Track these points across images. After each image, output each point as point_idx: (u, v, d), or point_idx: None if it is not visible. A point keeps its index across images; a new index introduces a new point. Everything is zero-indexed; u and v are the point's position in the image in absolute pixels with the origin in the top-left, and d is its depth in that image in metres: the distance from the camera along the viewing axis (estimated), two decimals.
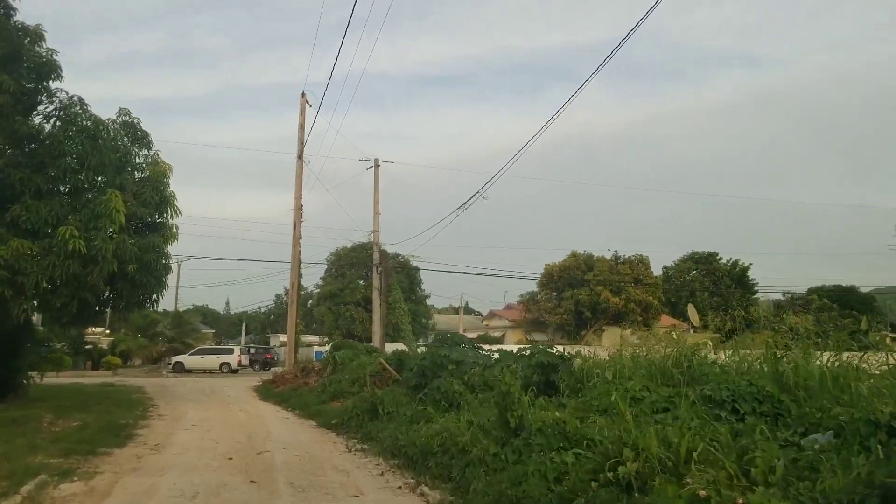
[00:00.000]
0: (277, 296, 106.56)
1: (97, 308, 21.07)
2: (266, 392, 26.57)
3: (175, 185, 21.86)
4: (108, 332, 48.87)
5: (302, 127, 32.11)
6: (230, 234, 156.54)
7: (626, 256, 55.71)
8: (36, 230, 17.37)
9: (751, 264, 78.84)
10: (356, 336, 73.08)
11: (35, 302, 17.90)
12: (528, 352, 14.84)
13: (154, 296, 21.43)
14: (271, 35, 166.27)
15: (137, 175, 21.08)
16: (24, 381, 20.96)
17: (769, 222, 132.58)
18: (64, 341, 40.46)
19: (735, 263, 78.61)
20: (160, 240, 19.90)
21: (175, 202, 21.01)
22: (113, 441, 12.52)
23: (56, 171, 17.77)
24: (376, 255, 38.66)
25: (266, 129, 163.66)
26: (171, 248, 21.23)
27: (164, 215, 20.94)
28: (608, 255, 55.89)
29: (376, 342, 37.48)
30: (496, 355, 18.04)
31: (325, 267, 78.71)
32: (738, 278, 75.48)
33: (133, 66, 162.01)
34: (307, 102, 32.22)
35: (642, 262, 55.42)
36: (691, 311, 58.73)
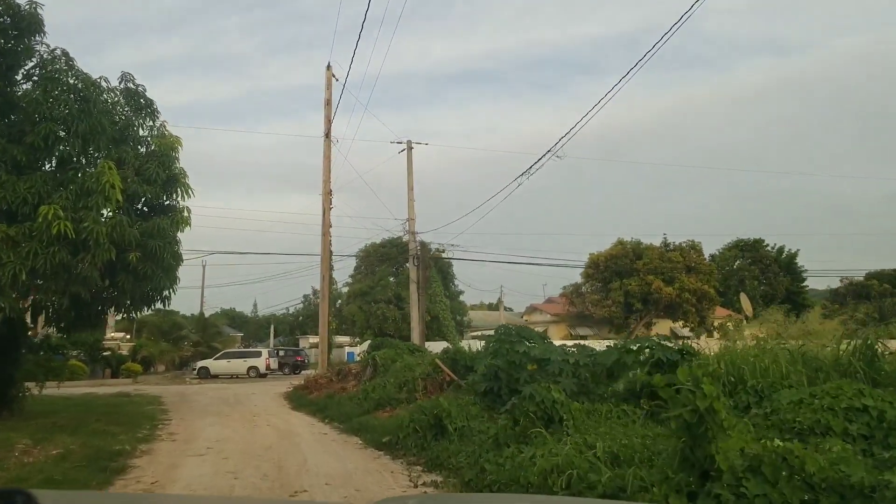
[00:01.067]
0: (305, 296, 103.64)
1: (98, 307, 17.89)
2: (298, 400, 23.27)
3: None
4: (128, 337, 46.05)
5: (328, 103, 28.80)
6: (256, 236, 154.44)
7: (677, 243, 51.84)
8: (13, 211, 14.19)
9: (798, 250, 74.67)
10: (389, 335, 70.04)
11: (15, 298, 14.63)
12: (638, 346, 11.37)
13: (165, 291, 18.22)
14: (294, 37, 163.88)
15: (141, 150, 17.87)
16: (19, 394, 17.85)
17: (806, 209, 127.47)
18: (80, 348, 37.60)
19: (781, 250, 74.39)
20: (168, 223, 16.64)
21: (186, 181, 17.75)
22: (95, 477, 9.21)
23: (36, 138, 14.52)
24: (413, 245, 35.26)
25: (291, 132, 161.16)
26: (184, 235, 18.01)
27: (174, 196, 17.69)
28: (650, 243, 52.02)
29: (415, 340, 34.17)
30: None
31: (355, 264, 76.02)
32: (786, 265, 71.43)
33: (160, 72, 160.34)
34: (333, 76, 28.91)
35: (694, 248, 51.52)
36: (744, 300, 54.91)
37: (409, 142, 36.43)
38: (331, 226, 28.84)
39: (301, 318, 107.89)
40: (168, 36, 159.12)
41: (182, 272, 18.58)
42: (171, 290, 18.26)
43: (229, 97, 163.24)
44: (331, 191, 28.81)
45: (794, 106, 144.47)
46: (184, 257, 18.55)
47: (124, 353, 41.78)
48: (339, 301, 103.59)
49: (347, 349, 71.88)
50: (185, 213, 17.78)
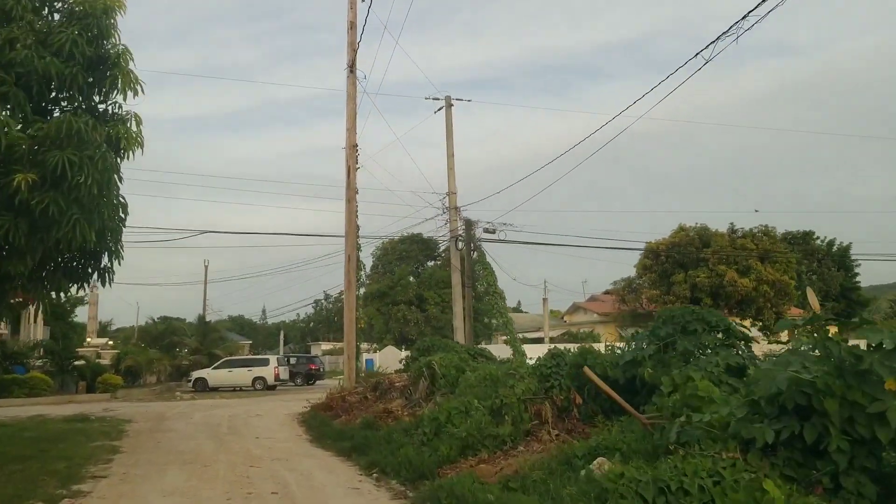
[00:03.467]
0: (317, 301, 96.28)
1: None
2: (320, 427, 15.70)
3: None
4: (110, 343, 38.56)
5: (353, 26, 21.31)
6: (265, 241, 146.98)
7: (746, 229, 44.15)
8: None
9: (850, 244, 67.05)
10: (410, 339, 62.51)
11: None
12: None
13: (103, 259, 10.81)
14: (299, 47, 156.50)
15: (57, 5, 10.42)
16: None
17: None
18: (47, 357, 30.16)
19: (831, 243, 66.63)
20: (91, 126, 9.13)
21: (129, 65, 10.26)
22: None
23: None
24: (456, 224, 27.75)
25: (298, 142, 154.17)
26: (128, 164, 10.49)
27: (109, 90, 10.21)
28: (716, 228, 44.29)
29: (459, 336, 26.77)
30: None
31: (371, 263, 68.46)
32: (839, 259, 63.86)
33: (167, 84, 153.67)
34: None
35: (767, 234, 43.86)
36: (811, 295, 47.56)
37: (447, 98, 29.03)
38: (357, 192, 21.33)
39: (312, 323, 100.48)
40: (172, 48, 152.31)
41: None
42: (111, 257, 10.79)
43: (235, 107, 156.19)
44: (356, 144, 21.31)
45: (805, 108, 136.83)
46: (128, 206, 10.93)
47: (105, 361, 34.29)
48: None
49: (366, 356, 64.38)
50: (132, 124, 10.32)
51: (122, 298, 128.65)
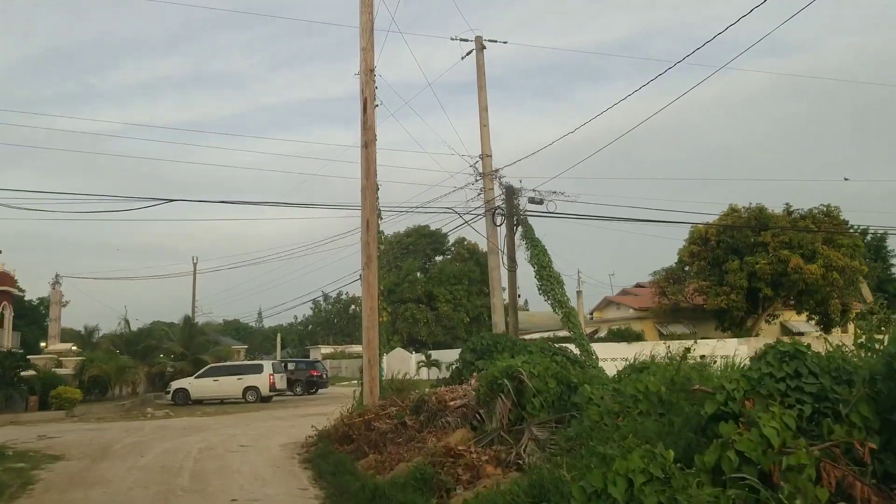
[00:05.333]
0: (315, 302, 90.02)
1: None
2: (336, 474, 9.65)
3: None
4: (73, 348, 32.28)
5: None
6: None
7: (804, 210, 38.18)
8: None
9: (885, 233, 61.01)
10: (419, 341, 56.38)
11: None
12: None
13: None
14: (294, 52, 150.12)
15: None
16: None
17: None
18: None
19: (865, 232, 60.62)
20: None
21: None
22: None
23: None
24: (491, 192, 21.74)
25: (295, 146, 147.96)
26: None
27: None
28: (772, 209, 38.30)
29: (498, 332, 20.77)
30: None
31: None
32: (875, 248, 58.22)
33: (161, 91, 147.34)
34: None
35: (829, 215, 37.87)
36: (864, 287, 40.99)
37: (478, 38, 23.05)
38: (375, 138, 15.27)
39: (311, 326, 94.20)
40: (167, 55, 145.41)
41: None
42: None
43: (230, 113, 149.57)
44: (373, 69, 15.29)
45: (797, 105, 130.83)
46: None
47: (68, 371, 28.09)
48: (354, 306, 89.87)
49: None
50: None
51: (108, 303, 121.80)
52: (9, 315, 44.86)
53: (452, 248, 58.85)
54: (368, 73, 15.16)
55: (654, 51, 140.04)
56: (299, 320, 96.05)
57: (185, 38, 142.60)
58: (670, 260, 43.19)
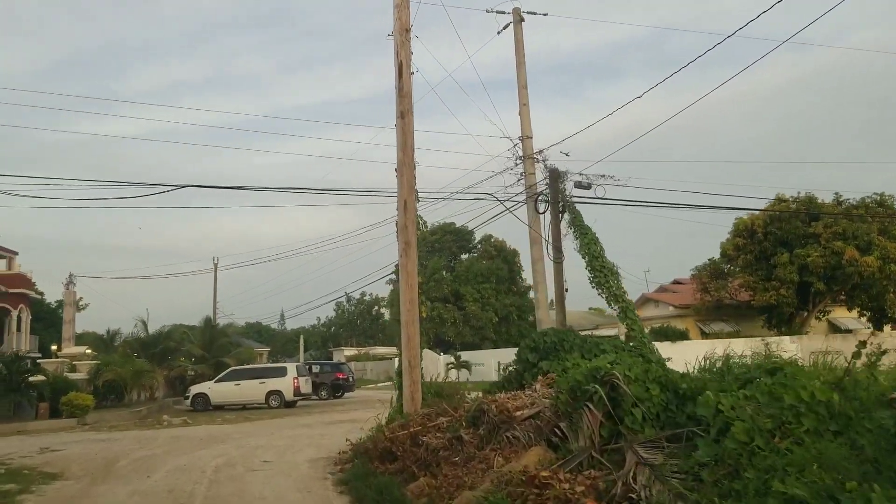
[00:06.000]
0: (338, 303, 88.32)
1: None
2: (379, 502, 7.72)
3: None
4: (87, 351, 30.60)
5: None
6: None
7: (856, 199, 35.71)
8: None
9: None
10: (447, 342, 54.35)
11: None
12: None
13: None
14: (309, 54, 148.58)
15: None
16: None
17: None
18: None
19: None
20: None
21: None
22: None
23: None
24: (534, 177, 19.72)
25: (313, 147, 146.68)
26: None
27: None
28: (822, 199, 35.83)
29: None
30: None
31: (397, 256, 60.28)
32: None
33: (179, 95, 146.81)
34: None
35: (882, 204, 35.37)
36: None
37: (516, 10, 21.08)
38: (412, 108, 13.30)
39: (333, 327, 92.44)
40: (186, 59, 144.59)
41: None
42: None
43: (249, 116, 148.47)
44: (409, 28, 13.36)
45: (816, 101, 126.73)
46: None
47: (82, 375, 26.41)
48: (378, 307, 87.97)
49: (398, 361, 56.07)
50: None
51: (129, 307, 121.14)
52: (26, 318, 43.44)
53: (479, 246, 56.78)
54: (403, 32, 13.21)
55: (671, 48, 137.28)
56: (322, 322, 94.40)
57: (203, 41, 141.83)
58: (703, 257, 41.08)
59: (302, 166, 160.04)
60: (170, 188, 16.42)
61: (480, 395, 11.20)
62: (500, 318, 51.91)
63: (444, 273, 55.12)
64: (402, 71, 13.11)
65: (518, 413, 9.03)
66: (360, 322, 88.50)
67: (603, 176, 20.02)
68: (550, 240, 19.58)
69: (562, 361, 10.24)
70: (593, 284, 18.17)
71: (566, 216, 19.59)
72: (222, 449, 14.22)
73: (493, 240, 55.83)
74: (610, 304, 17.96)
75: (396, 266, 54.08)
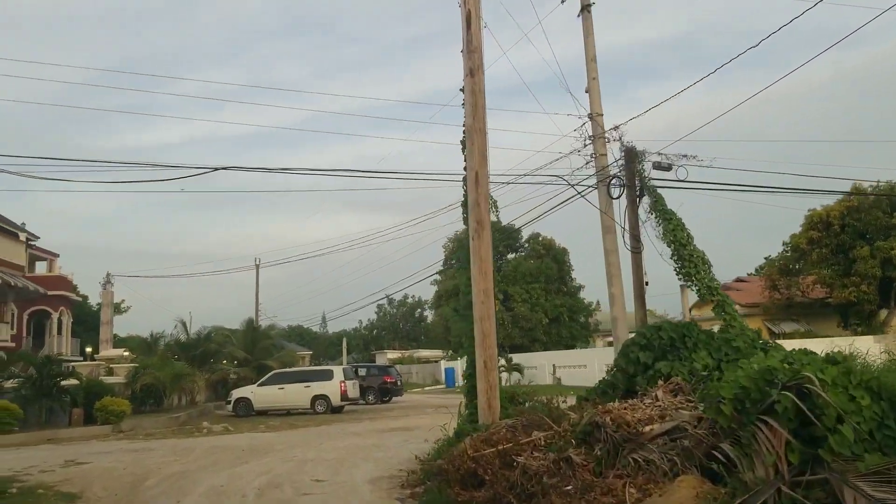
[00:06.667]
0: (380, 306, 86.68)
1: None
2: None
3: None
4: (125, 354, 29.15)
5: None
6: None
7: None
8: None
9: None
10: (498, 345, 51.88)
11: None
12: None
13: None
14: (345, 60, 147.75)
15: None
16: None
17: None
18: (19, 377, 20.86)
19: None
20: None
21: None
22: None
23: None
24: (605, 158, 17.59)
25: (349, 153, 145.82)
26: None
27: None
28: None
29: (619, 335, 17.02)
30: None
31: (443, 257, 58.29)
32: None
33: (221, 102, 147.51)
34: None
35: None
36: None
37: None
38: (482, 65, 11.31)
39: (375, 330, 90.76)
40: (226, 67, 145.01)
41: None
42: None
43: (288, 122, 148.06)
44: None
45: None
46: None
47: (119, 379, 24.92)
48: (420, 310, 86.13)
49: (444, 364, 54.14)
50: None
51: (171, 310, 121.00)
52: (67, 321, 42.48)
53: (526, 245, 54.45)
54: None
55: (708, 45, 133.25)
56: (363, 325, 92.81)
57: (242, 49, 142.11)
58: (760, 254, 38.25)
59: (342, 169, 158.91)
60: (204, 170, 14.68)
61: (586, 403, 9.13)
62: (550, 320, 49.56)
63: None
64: (471, 21, 11.14)
65: (647, 429, 6.95)
66: (403, 325, 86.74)
67: (685, 156, 17.77)
68: (627, 227, 17.43)
69: (686, 362, 8.15)
70: (681, 276, 15.94)
71: (644, 201, 17.43)
72: (266, 463, 12.36)
73: (541, 238, 53.49)
74: (703, 297, 15.71)
75: (448, 260, 51.70)
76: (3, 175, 14.11)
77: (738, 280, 43.14)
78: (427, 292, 76.15)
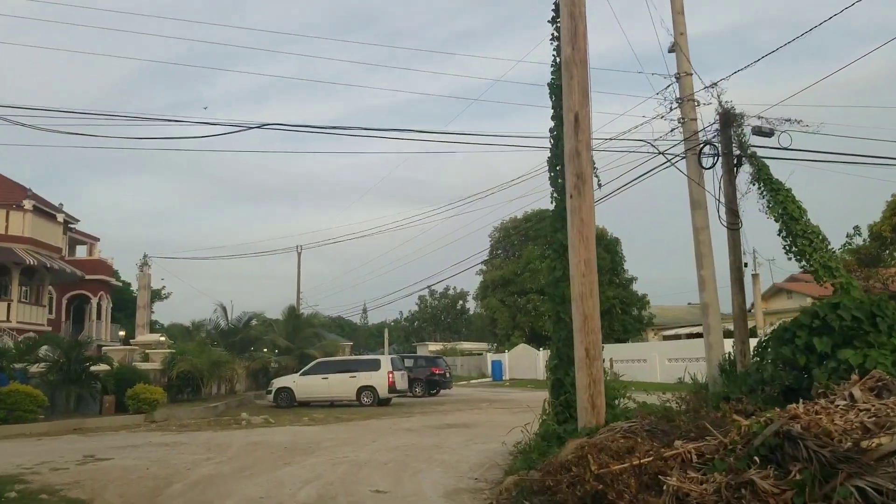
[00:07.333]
0: (421, 298, 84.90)
1: None
2: None
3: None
4: (162, 339, 27.56)
5: None
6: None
7: None
8: None
9: None
10: (543, 336, 49.78)
11: None
12: None
13: None
14: (391, 54, 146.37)
15: None
16: None
17: None
18: (46, 361, 19.27)
19: None
20: None
21: None
22: None
23: None
24: (696, 123, 15.26)
25: (389, 148, 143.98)
26: None
27: None
28: None
29: (711, 323, 14.79)
30: None
31: (489, 246, 56.09)
32: None
33: (266, 96, 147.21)
34: None
35: None
36: None
37: None
38: None
39: (416, 322, 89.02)
40: (271, 61, 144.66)
41: None
42: None
43: (332, 116, 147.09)
44: None
45: None
46: None
47: (155, 365, 23.35)
48: (462, 301, 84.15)
49: (491, 357, 51.95)
50: None
51: (213, 297, 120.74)
52: (106, 306, 41.36)
53: None
54: None
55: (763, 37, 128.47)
56: (405, 316, 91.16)
57: (288, 43, 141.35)
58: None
59: (388, 164, 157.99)
60: (242, 128, 12.79)
61: (729, 404, 6.93)
62: (602, 312, 46.97)
63: (539, 263, 50.69)
64: None
65: (872, 443, 4.75)
66: (444, 317, 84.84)
67: (788, 120, 15.35)
68: (723, 200, 15.10)
69: (885, 350, 5.92)
70: (791, 254, 13.64)
71: (742, 171, 15.09)
72: (313, 465, 10.40)
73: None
74: (820, 278, 13.36)
75: (494, 249, 49.44)
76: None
77: (807, 271, 40.19)
78: (470, 284, 73.83)
